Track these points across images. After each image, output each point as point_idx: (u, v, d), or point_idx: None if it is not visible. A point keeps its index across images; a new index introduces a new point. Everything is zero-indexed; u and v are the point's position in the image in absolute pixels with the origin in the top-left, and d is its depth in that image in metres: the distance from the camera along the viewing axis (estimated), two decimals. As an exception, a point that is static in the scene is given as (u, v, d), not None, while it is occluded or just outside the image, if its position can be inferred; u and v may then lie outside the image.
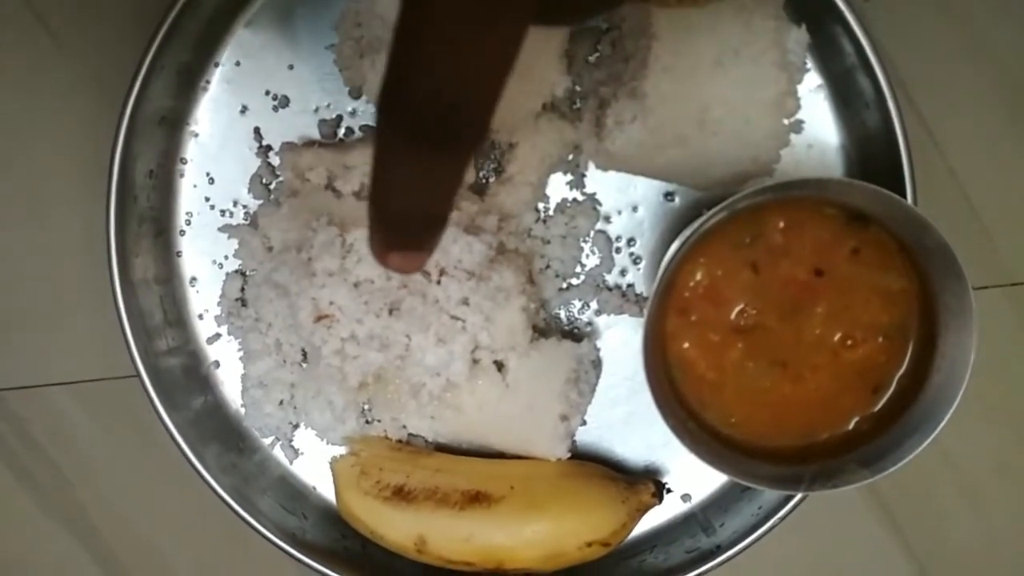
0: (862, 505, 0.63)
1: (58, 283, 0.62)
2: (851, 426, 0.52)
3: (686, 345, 0.51)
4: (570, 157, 0.58)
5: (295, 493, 0.61)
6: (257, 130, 0.59)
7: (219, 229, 0.59)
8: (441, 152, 0.29)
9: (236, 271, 0.60)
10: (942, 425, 0.48)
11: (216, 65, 0.59)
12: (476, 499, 0.56)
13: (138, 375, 0.57)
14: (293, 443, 0.61)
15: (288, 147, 0.58)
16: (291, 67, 0.58)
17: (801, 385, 0.51)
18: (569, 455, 0.58)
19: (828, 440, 0.52)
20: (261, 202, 0.59)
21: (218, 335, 0.60)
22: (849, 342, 0.51)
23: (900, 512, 0.63)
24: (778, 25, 0.49)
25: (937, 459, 0.62)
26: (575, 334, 0.60)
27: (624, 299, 0.59)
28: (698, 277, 0.51)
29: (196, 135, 0.59)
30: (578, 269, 0.59)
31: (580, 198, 0.59)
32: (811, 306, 0.50)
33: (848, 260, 0.50)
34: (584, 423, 0.60)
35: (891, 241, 0.50)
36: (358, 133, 0.59)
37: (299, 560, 0.57)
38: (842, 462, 0.51)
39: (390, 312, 0.54)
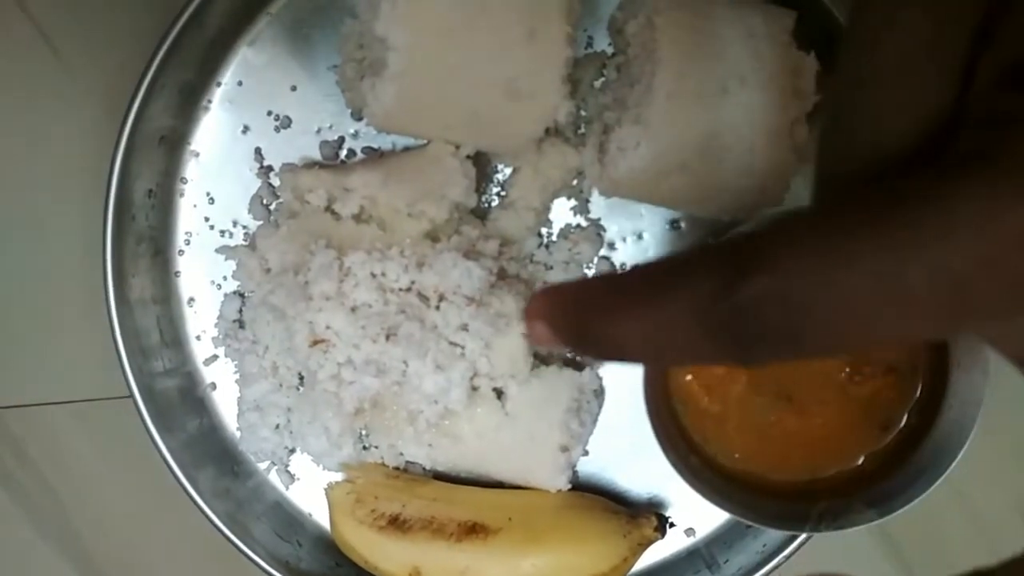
0: (871, 544, 0.61)
1: (55, 301, 0.62)
2: (859, 464, 0.51)
3: (689, 377, 0.50)
4: (574, 182, 0.57)
5: (290, 520, 0.60)
6: (258, 150, 0.58)
7: (217, 250, 0.58)
8: None
9: (234, 292, 0.59)
10: (953, 466, 0.47)
11: (218, 84, 0.58)
12: (473, 530, 0.55)
13: (132, 396, 0.56)
14: (289, 468, 0.60)
15: (288, 168, 0.57)
16: (294, 88, 0.58)
17: (807, 420, 0.50)
18: (569, 486, 0.57)
19: (835, 478, 0.51)
20: (261, 223, 0.58)
21: (215, 357, 0.60)
22: (857, 377, 0.49)
23: (911, 552, 0.61)
24: (786, 52, 0.48)
25: (950, 499, 0.60)
26: (577, 362, 0.58)
27: (628, 327, 0.58)
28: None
29: (197, 154, 0.59)
30: (581, 296, 0.58)
31: (584, 224, 0.58)
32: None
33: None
34: (586, 453, 0.58)
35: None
36: (360, 155, 0.58)
37: (292, 589, 0.56)
38: (849, 501, 0.49)
39: (387, 337, 0.53)
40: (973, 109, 0.22)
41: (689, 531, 0.59)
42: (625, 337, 0.24)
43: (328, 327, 0.53)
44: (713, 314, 0.22)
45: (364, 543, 0.56)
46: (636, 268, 0.25)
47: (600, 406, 0.58)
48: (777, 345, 0.22)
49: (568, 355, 0.58)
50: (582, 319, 0.25)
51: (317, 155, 0.58)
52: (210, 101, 0.58)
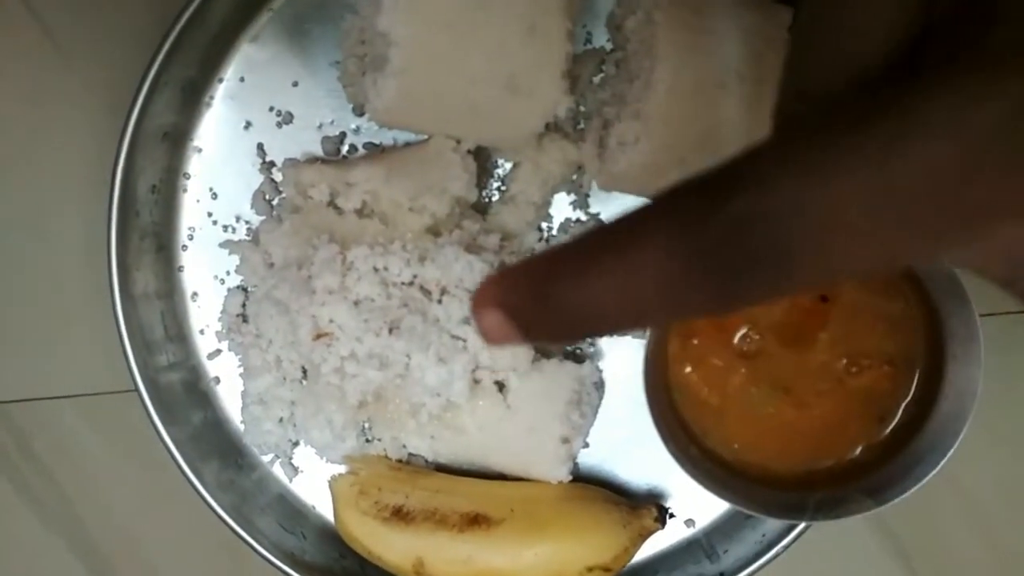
0: (868, 533, 0.62)
1: (59, 296, 0.62)
2: (856, 454, 0.51)
3: (688, 369, 0.51)
4: (574, 177, 0.58)
5: (294, 512, 0.60)
6: (260, 146, 0.59)
7: (220, 245, 0.59)
8: None
9: (238, 287, 0.59)
10: (948, 455, 0.48)
11: (220, 80, 0.58)
12: (475, 521, 0.56)
13: (137, 390, 0.56)
14: (292, 461, 0.60)
15: (290, 163, 0.58)
16: (295, 83, 0.58)
17: (805, 412, 0.50)
18: (571, 478, 0.57)
19: (833, 468, 0.51)
20: (263, 218, 0.59)
21: (219, 351, 0.60)
22: (854, 369, 0.50)
23: (907, 540, 0.62)
24: (783, 48, 0.48)
25: (946, 488, 0.61)
26: (577, 355, 0.59)
27: (628, 320, 0.58)
28: (701, 301, 0.50)
29: (199, 150, 0.59)
30: (581, 289, 0.58)
31: (584, 218, 0.58)
32: (816, 332, 0.50)
33: (853, 286, 0.50)
34: (586, 445, 0.59)
35: (898, 267, 0.49)
36: (361, 150, 0.59)
37: (296, 580, 0.57)
38: (847, 491, 0.50)
39: (390, 331, 0.53)
40: (944, 14, 0.22)
41: (689, 522, 0.59)
42: (597, 296, 0.22)
43: (331, 321, 0.53)
44: (693, 242, 0.20)
45: (368, 534, 0.56)
46: (601, 223, 0.24)
47: (600, 398, 0.59)
48: (764, 272, 0.20)
49: (567, 347, 0.59)
50: (543, 290, 0.23)
51: (319, 150, 0.59)
52: (212, 97, 0.59)
